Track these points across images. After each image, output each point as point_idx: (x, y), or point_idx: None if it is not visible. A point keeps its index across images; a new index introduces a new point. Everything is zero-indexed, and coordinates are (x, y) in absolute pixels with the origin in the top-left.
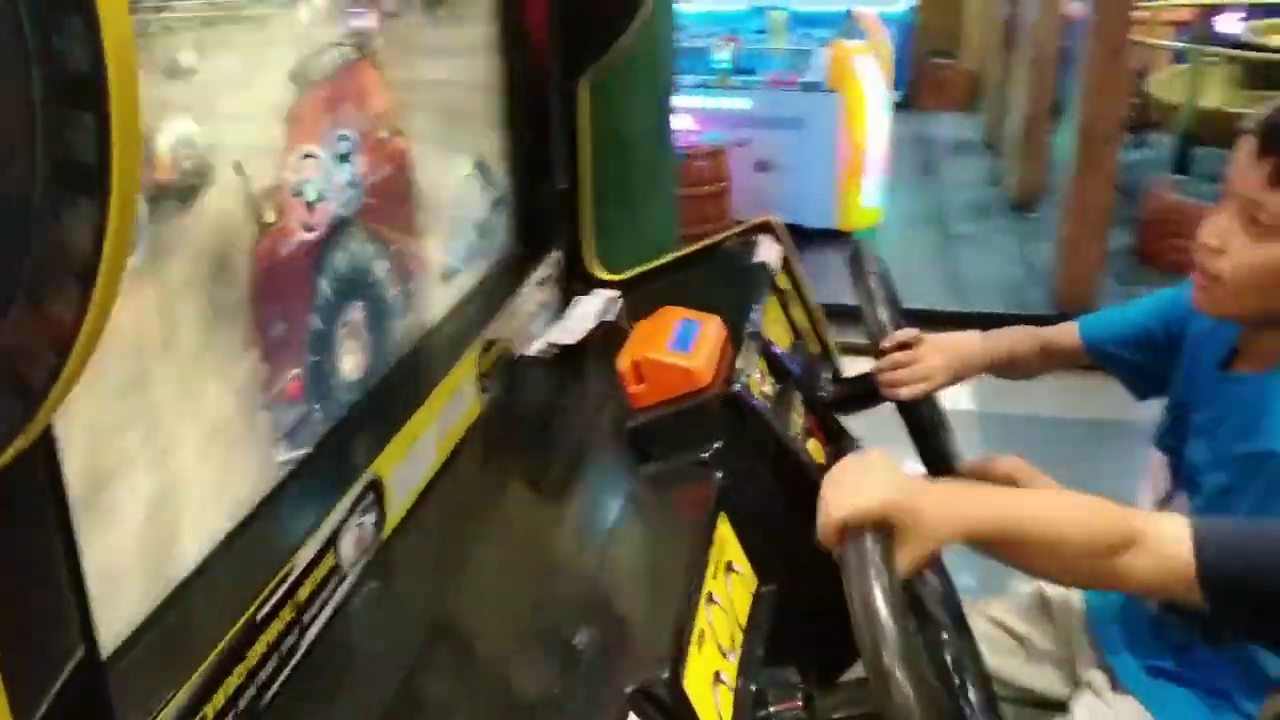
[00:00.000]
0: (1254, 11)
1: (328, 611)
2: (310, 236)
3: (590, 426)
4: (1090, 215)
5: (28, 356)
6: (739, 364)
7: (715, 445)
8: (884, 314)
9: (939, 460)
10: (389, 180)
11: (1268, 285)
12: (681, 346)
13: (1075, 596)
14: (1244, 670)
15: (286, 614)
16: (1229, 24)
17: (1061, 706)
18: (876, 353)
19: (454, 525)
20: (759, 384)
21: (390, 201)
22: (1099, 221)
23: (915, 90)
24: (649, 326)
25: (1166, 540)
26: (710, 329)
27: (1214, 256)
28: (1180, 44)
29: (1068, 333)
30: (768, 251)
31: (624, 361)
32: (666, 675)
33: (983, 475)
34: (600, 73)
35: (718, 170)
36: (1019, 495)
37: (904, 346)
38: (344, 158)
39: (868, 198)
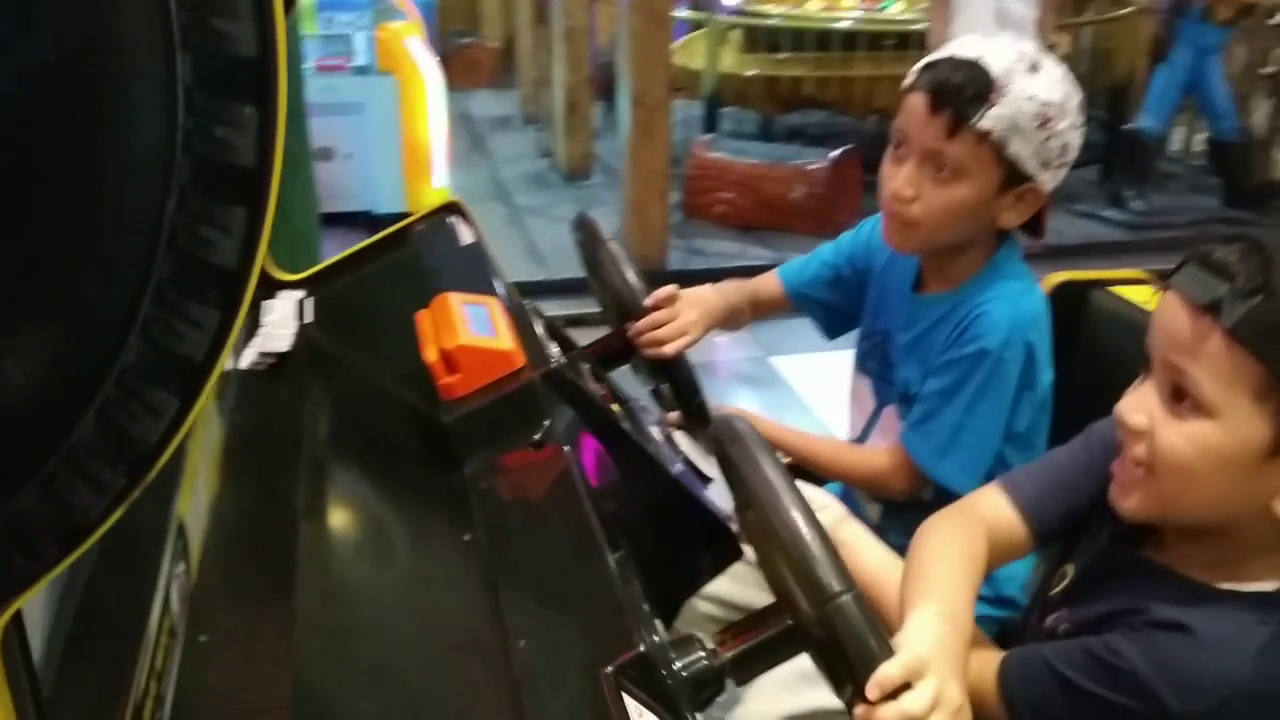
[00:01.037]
0: None
1: (174, 677)
2: None
3: (368, 432)
4: (651, 179)
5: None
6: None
7: (545, 424)
8: (632, 275)
9: (698, 415)
10: None
11: (955, 221)
12: (485, 330)
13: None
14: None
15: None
16: None
17: None
18: (633, 313)
19: (266, 559)
20: (558, 357)
21: None
22: (660, 184)
23: (445, 69)
24: (434, 317)
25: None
26: (496, 310)
27: (907, 204)
28: (699, 14)
29: (771, 282)
30: (468, 233)
31: (430, 354)
32: (642, 648)
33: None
34: None
35: None
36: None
37: (658, 306)
38: None
39: (436, 179)
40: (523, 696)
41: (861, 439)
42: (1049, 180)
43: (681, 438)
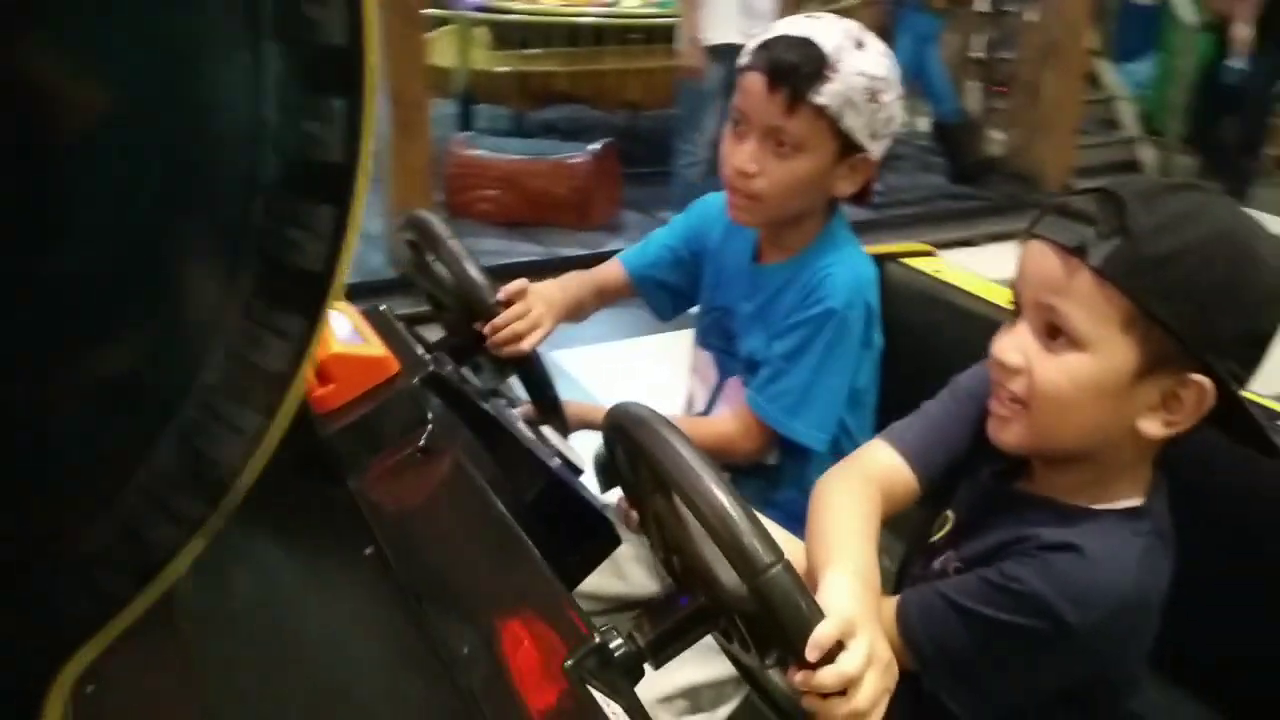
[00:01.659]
0: None
1: None
2: None
3: None
4: (415, 178)
5: None
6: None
7: (427, 428)
8: (479, 272)
9: (552, 409)
10: None
11: (797, 193)
12: (353, 338)
13: None
14: None
15: None
16: None
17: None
18: (483, 311)
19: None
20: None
21: None
22: (423, 183)
23: None
24: None
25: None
26: (355, 317)
27: (751, 180)
28: (444, 11)
29: (613, 269)
30: None
31: None
32: (597, 639)
33: (586, 417)
34: None
35: None
36: None
37: (510, 302)
38: None
39: None
40: (482, 703)
41: (706, 411)
42: (877, 150)
43: (548, 431)
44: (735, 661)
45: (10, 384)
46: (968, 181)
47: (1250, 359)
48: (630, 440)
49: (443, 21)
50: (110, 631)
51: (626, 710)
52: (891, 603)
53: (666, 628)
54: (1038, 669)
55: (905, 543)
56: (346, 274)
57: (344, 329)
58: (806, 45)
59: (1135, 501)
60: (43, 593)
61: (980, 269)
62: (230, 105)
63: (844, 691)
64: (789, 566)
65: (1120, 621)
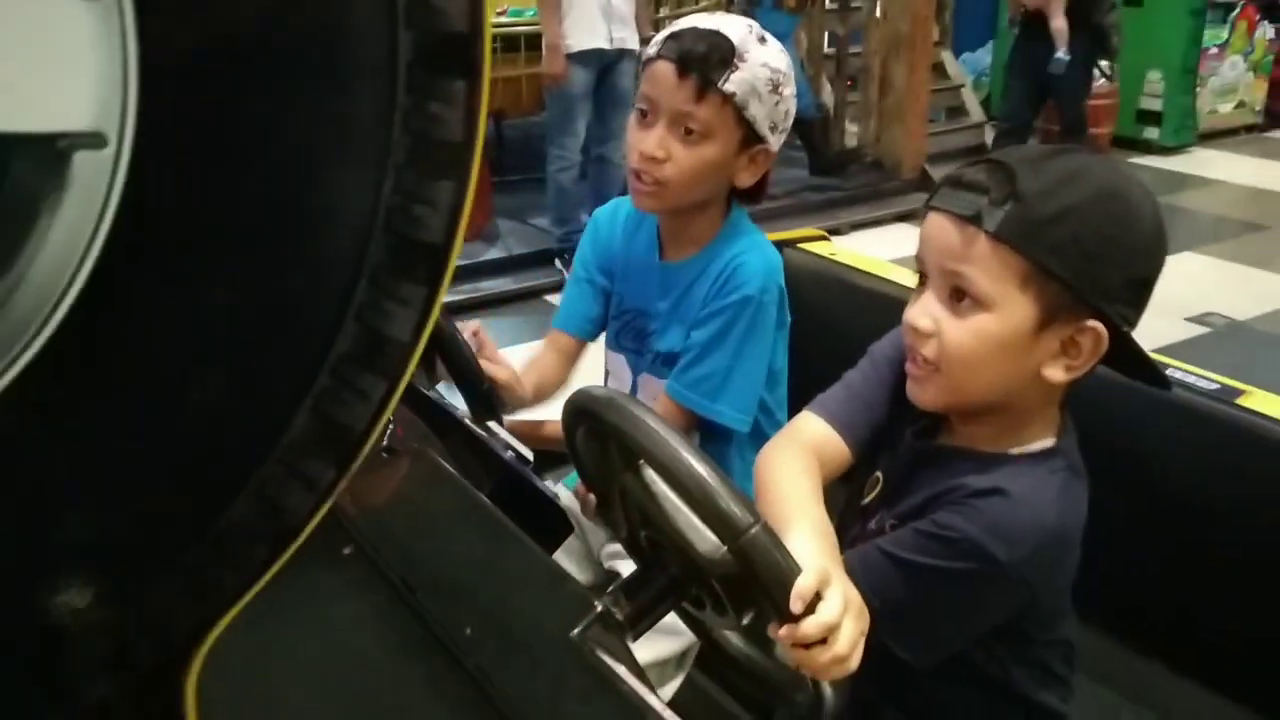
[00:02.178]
0: None
1: None
2: None
3: None
4: None
5: None
6: None
7: (390, 428)
8: None
9: (486, 404)
10: None
11: (702, 179)
12: None
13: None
14: None
15: None
16: None
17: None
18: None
19: None
20: None
21: None
22: None
23: None
24: None
25: None
26: None
27: (658, 165)
28: None
29: (561, 340)
30: None
31: None
32: (599, 607)
33: (532, 431)
34: None
35: None
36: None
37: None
38: None
39: None
40: (493, 680)
41: None
42: (775, 142)
43: (494, 426)
44: (699, 630)
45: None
46: (828, 173)
47: (1137, 301)
48: (597, 420)
49: None
50: (245, 600)
51: (631, 672)
52: (843, 562)
53: (642, 601)
54: (976, 608)
55: (839, 509)
56: (460, 242)
57: None
58: (715, 36)
59: (1048, 443)
60: (194, 566)
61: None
62: (370, 90)
63: (825, 640)
64: (767, 527)
65: (1046, 553)
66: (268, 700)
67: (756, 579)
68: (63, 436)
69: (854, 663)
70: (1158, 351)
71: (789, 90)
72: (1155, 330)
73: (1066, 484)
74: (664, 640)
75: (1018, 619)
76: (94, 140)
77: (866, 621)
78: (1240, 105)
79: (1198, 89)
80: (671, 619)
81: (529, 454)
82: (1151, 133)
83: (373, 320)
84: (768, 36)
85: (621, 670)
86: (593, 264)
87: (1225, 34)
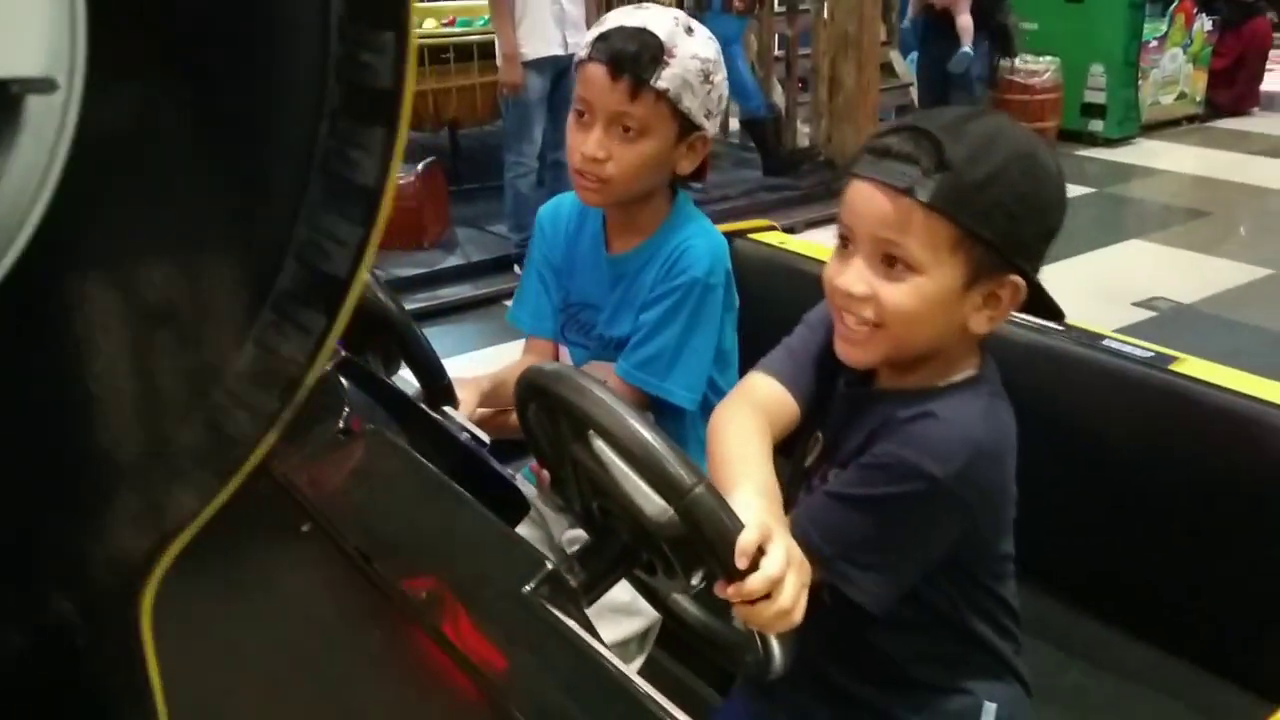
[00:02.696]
0: None
1: None
2: None
3: None
4: None
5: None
6: None
7: (345, 411)
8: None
9: (444, 393)
10: None
11: (645, 173)
12: None
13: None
14: None
15: None
16: None
17: None
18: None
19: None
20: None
21: None
22: None
23: None
24: None
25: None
26: None
27: (600, 165)
28: None
29: (535, 345)
30: None
31: None
32: (550, 565)
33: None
34: None
35: None
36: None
37: None
38: None
39: None
40: (447, 638)
41: None
42: (711, 128)
43: (450, 410)
44: (653, 598)
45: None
46: (781, 173)
47: (1043, 252)
48: (548, 394)
49: None
50: (197, 526)
51: (582, 627)
52: (786, 521)
53: (595, 568)
54: (922, 531)
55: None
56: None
57: None
58: (643, 34)
59: (971, 373)
60: (147, 485)
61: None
62: (306, 39)
63: (769, 595)
64: (711, 486)
65: (979, 468)
66: (228, 666)
67: (701, 538)
68: (17, 360)
69: (798, 615)
70: None
71: (720, 76)
72: (1103, 316)
73: (991, 405)
74: (626, 620)
75: (961, 550)
76: (44, 85)
77: (809, 575)
78: (1181, 96)
79: (1140, 81)
80: (633, 599)
81: (485, 437)
82: (1096, 125)
83: (310, 258)
84: (694, 25)
85: (572, 623)
86: (543, 262)
87: (1164, 27)
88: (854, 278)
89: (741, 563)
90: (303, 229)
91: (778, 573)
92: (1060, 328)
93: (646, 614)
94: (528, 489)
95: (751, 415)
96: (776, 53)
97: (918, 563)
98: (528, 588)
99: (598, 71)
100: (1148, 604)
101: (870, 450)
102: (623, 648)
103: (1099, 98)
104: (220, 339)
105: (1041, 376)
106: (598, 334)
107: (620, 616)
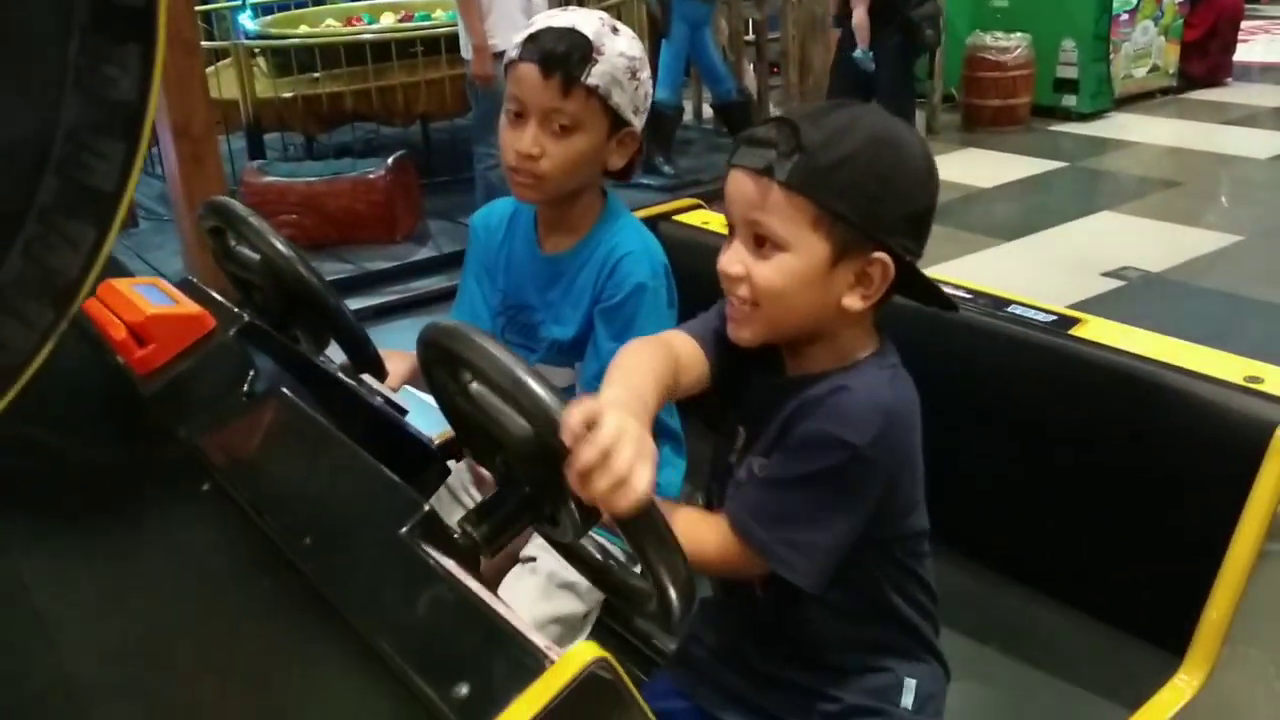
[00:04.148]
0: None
1: None
2: None
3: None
4: None
5: None
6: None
7: (250, 374)
8: (283, 245)
9: (373, 366)
10: None
11: (577, 169)
12: (165, 300)
13: None
14: None
15: None
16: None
17: None
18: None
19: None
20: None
21: None
22: None
23: None
24: (106, 301)
25: (749, 562)
26: (165, 286)
27: (534, 162)
28: (224, 43)
29: None
30: None
31: (117, 331)
32: (427, 507)
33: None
34: None
35: None
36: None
37: None
38: None
39: None
40: (322, 583)
41: None
42: (639, 124)
43: (368, 378)
44: (564, 550)
45: None
46: None
47: (917, 233)
48: (440, 349)
49: (222, 54)
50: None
51: (464, 564)
52: (720, 522)
53: (496, 519)
54: (850, 500)
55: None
56: (154, 102)
57: (156, 296)
58: (572, 34)
59: (870, 351)
60: None
61: None
62: None
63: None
64: (558, 397)
65: (891, 433)
66: (119, 614)
67: (540, 436)
68: None
69: (638, 485)
70: (1072, 307)
71: (645, 74)
72: (1072, 286)
73: (895, 375)
74: (565, 597)
75: (881, 528)
76: None
77: (649, 450)
78: (1154, 69)
79: (1111, 55)
80: (578, 581)
81: (404, 404)
82: (1069, 100)
83: (74, 173)
84: (619, 26)
85: (447, 562)
86: (479, 268)
87: (1135, 0)
88: (731, 258)
89: (566, 437)
90: (61, 146)
91: (606, 439)
92: (968, 295)
93: (587, 597)
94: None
95: (656, 347)
96: (748, 38)
97: (847, 534)
98: (403, 530)
99: (529, 71)
100: (1060, 568)
101: (790, 432)
102: (564, 625)
103: (1071, 73)
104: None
105: (948, 345)
106: (542, 336)
107: (556, 591)
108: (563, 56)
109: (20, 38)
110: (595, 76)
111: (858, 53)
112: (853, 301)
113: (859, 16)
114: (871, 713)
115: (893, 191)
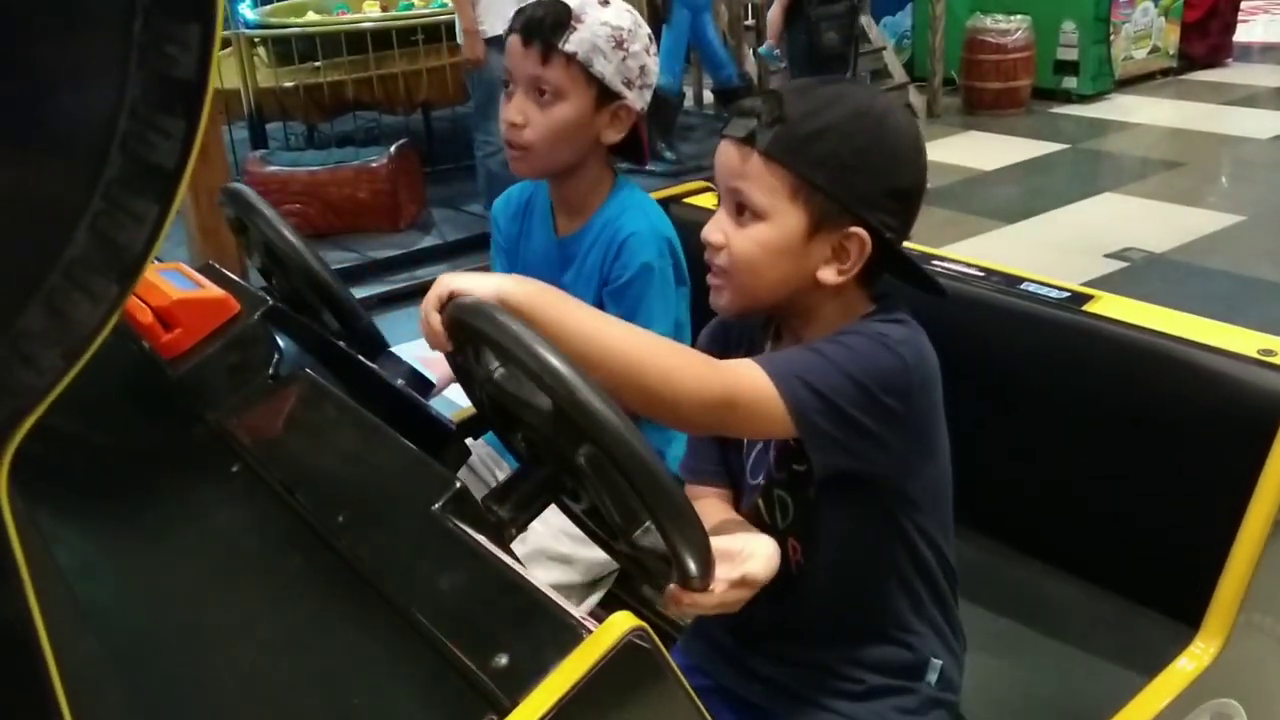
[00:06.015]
0: None
1: None
2: None
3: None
4: (214, 201)
5: None
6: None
7: (276, 358)
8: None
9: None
10: None
11: (566, 139)
12: (189, 285)
13: None
14: None
15: None
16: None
17: None
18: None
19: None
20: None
21: None
22: None
23: None
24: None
25: (760, 396)
26: (187, 270)
27: (520, 131)
28: (226, 33)
29: None
30: None
31: (144, 316)
32: (458, 484)
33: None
34: None
35: None
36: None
37: None
38: None
39: None
40: (358, 559)
41: None
42: (636, 99)
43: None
44: (587, 528)
45: None
46: None
47: (902, 211)
48: (470, 329)
49: (223, 44)
50: (47, 403)
51: (493, 541)
52: (758, 369)
53: (521, 495)
54: (882, 397)
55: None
56: (213, 80)
57: (181, 281)
58: (554, 4)
59: (864, 313)
60: None
61: None
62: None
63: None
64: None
65: (922, 366)
66: (158, 597)
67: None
68: None
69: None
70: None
71: (637, 46)
72: (1075, 268)
73: (909, 326)
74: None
75: (906, 510)
76: None
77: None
78: (1155, 50)
79: (1112, 37)
80: (572, 550)
81: (433, 377)
82: (1070, 82)
83: (137, 149)
84: (611, 0)
85: (480, 537)
86: (501, 255)
87: None
88: (713, 227)
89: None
90: (125, 122)
91: (735, 600)
92: (980, 274)
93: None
94: (486, 451)
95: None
96: (747, 22)
97: (876, 439)
98: (435, 506)
99: (514, 41)
100: (1076, 541)
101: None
102: (567, 591)
103: (1071, 55)
104: (54, 227)
105: (961, 323)
106: None
107: (550, 564)
108: (539, 23)
109: (87, 18)
110: (573, 43)
111: (763, 48)
112: (828, 275)
113: (773, 12)
114: (896, 691)
115: (870, 164)
